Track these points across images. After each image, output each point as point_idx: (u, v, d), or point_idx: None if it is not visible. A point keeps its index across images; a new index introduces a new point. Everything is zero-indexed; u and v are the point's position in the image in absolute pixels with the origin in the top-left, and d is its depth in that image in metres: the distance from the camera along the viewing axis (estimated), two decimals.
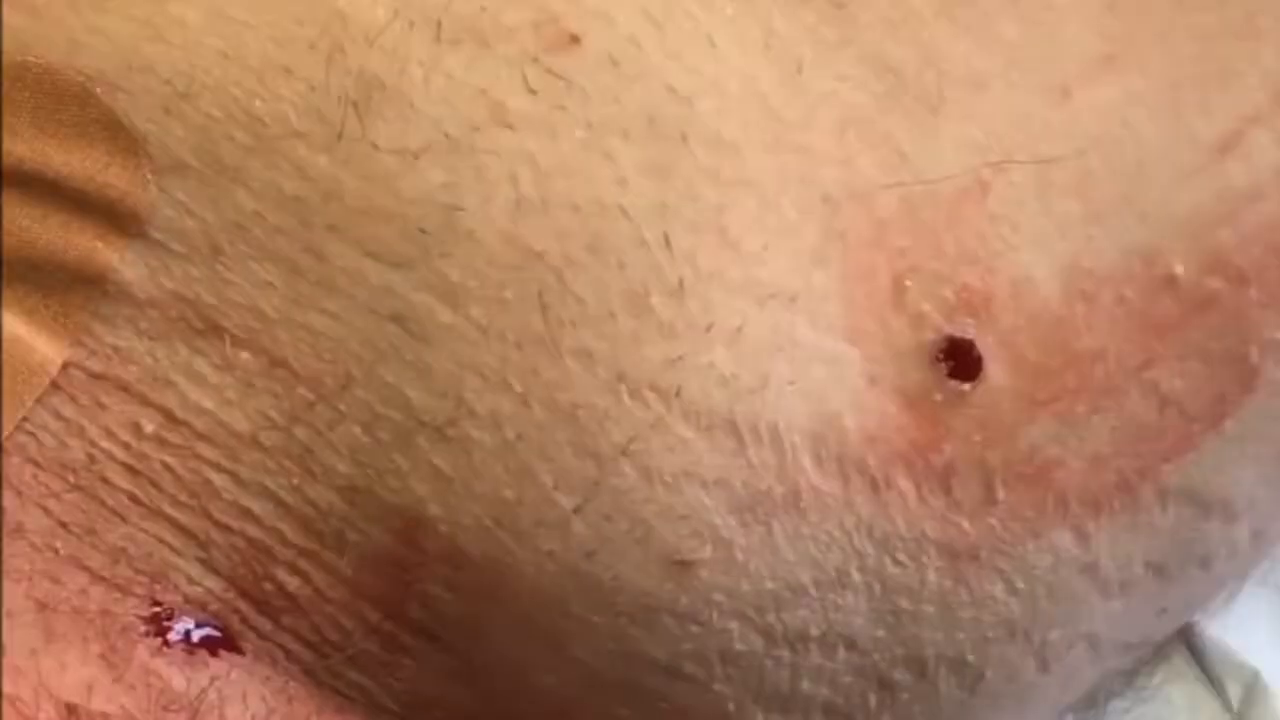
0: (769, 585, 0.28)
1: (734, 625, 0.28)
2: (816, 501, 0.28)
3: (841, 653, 0.29)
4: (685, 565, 0.27)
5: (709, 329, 0.27)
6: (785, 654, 0.28)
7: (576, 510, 0.26)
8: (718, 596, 0.27)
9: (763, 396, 0.27)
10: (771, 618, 0.28)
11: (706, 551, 0.27)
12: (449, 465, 0.26)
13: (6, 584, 0.25)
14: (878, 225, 0.28)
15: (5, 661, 0.25)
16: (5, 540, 0.25)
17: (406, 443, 0.26)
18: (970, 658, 0.30)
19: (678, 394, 0.26)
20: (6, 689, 0.25)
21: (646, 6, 0.27)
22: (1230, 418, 0.31)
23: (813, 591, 0.28)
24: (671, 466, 0.27)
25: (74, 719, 0.25)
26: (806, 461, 0.28)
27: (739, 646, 0.28)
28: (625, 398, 0.26)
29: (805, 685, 0.29)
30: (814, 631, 0.28)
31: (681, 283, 0.27)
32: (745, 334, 0.27)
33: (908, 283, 0.28)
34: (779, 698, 0.29)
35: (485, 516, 0.26)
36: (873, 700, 0.30)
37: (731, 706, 0.29)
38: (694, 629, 0.27)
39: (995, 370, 0.28)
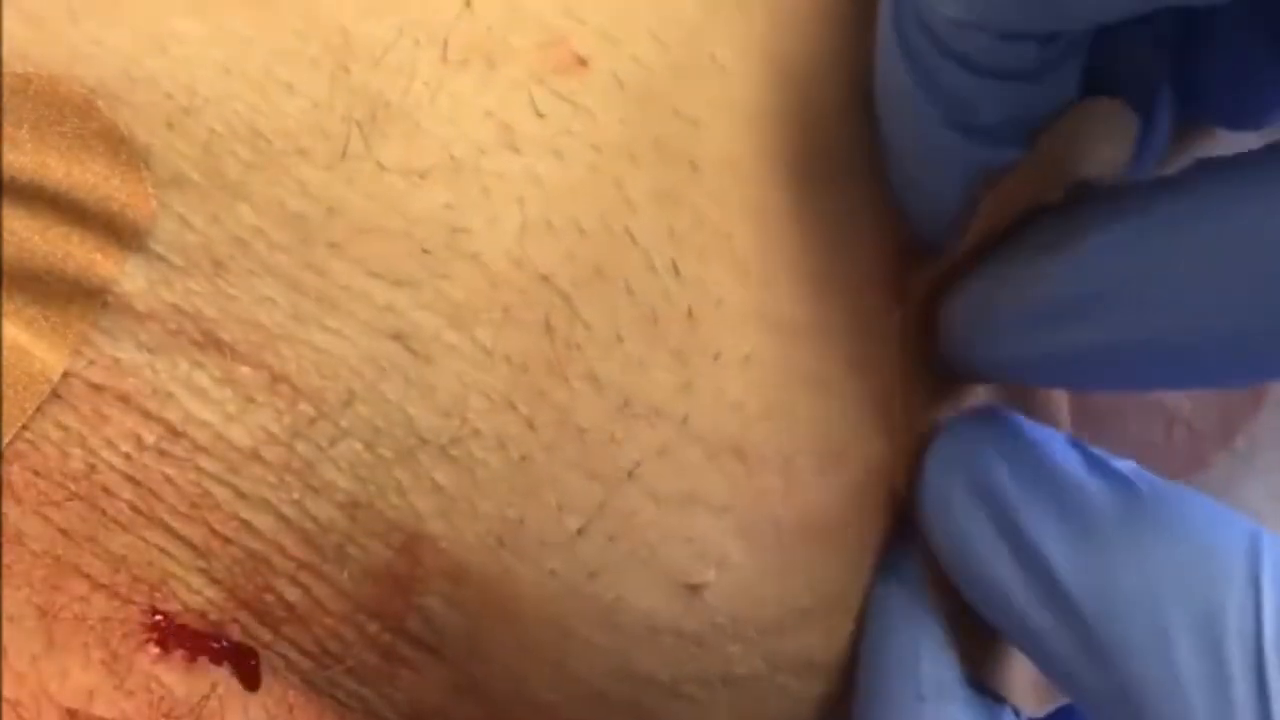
0: (773, 610, 0.28)
1: (737, 649, 0.27)
2: (824, 528, 0.28)
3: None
4: (690, 588, 0.27)
5: (717, 357, 0.26)
6: (789, 680, 0.28)
7: (580, 531, 0.26)
8: (721, 619, 0.27)
9: (770, 423, 0.27)
10: (775, 642, 0.28)
11: (711, 575, 0.27)
12: (451, 483, 0.26)
13: (7, 590, 0.25)
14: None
15: (6, 667, 0.25)
16: (6, 547, 0.25)
17: (408, 459, 0.26)
18: None
19: (685, 420, 0.26)
20: (7, 694, 0.24)
21: (653, 28, 0.26)
22: (1240, 434, 0.30)
23: (819, 616, 0.28)
24: (678, 490, 0.26)
25: None
26: (815, 488, 0.28)
27: (741, 670, 0.28)
28: (632, 422, 0.26)
29: (808, 711, 0.29)
30: (819, 657, 0.28)
31: (690, 310, 0.26)
32: (753, 361, 0.27)
33: None
34: None
35: (488, 535, 0.26)
36: None
37: None
38: (696, 651, 0.27)
39: None
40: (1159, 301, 0.24)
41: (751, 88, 0.27)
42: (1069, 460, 0.26)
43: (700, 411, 0.26)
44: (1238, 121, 0.28)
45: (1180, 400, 0.30)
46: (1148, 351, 0.24)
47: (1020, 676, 0.29)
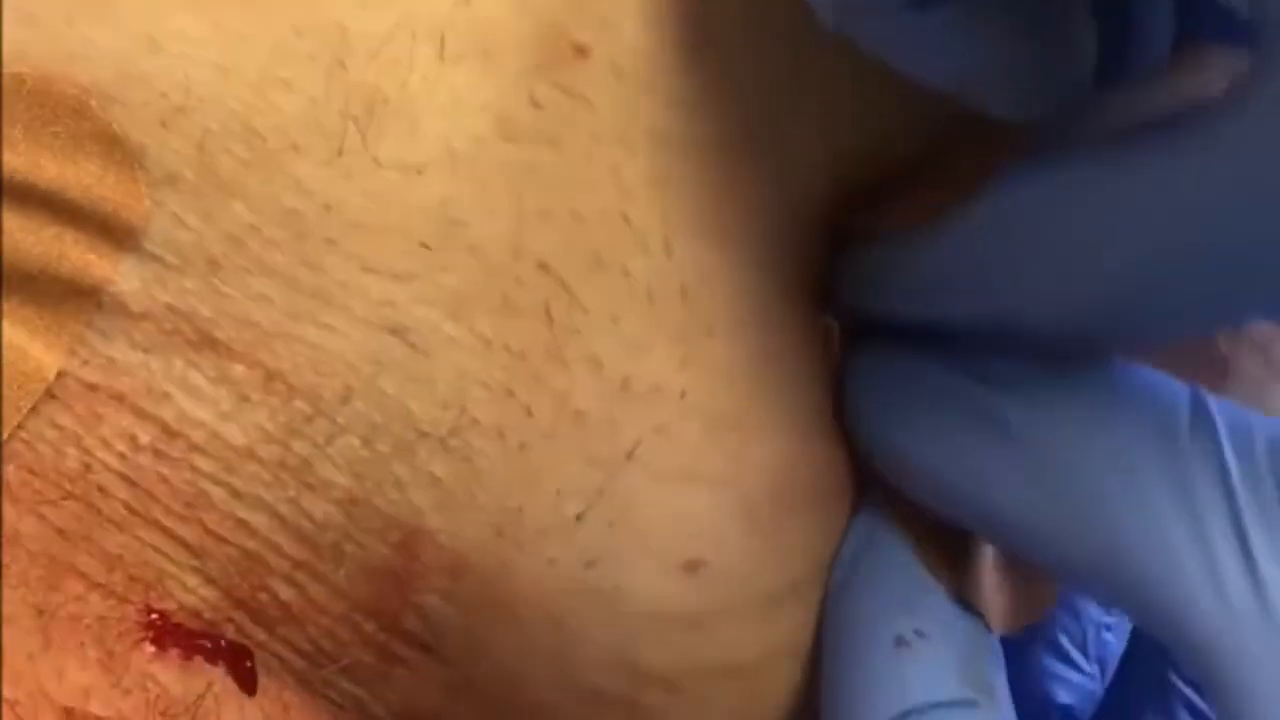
0: (770, 584, 0.28)
1: (735, 632, 0.28)
2: (814, 493, 0.28)
3: None
4: (688, 569, 0.27)
5: (710, 331, 0.27)
6: (784, 667, 0.28)
7: (579, 517, 0.26)
8: (719, 603, 0.27)
9: (764, 392, 0.27)
10: (772, 620, 0.28)
11: (709, 553, 0.27)
12: (450, 475, 0.26)
13: (5, 589, 0.25)
14: None
15: (4, 665, 0.25)
16: (3, 547, 0.25)
17: (406, 454, 0.26)
18: None
19: (683, 395, 0.26)
20: (6, 693, 0.24)
21: (650, 15, 0.26)
22: None
23: (807, 588, 0.28)
24: (676, 467, 0.26)
25: None
26: (805, 453, 0.28)
27: (738, 658, 0.28)
28: (631, 402, 0.26)
29: (798, 704, 0.29)
30: (808, 639, 0.28)
31: (683, 287, 0.26)
32: (743, 332, 0.27)
33: None
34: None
35: (487, 526, 0.26)
36: None
37: None
38: (694, 639, 0.27)
39: None
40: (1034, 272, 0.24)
41: (746, 68, 0.27)
42: (989, 357, 0.27)
43: (697, 385, 0.27)
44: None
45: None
46: (1060, 319, 0.25)
47: (989, 601, 0.30)
